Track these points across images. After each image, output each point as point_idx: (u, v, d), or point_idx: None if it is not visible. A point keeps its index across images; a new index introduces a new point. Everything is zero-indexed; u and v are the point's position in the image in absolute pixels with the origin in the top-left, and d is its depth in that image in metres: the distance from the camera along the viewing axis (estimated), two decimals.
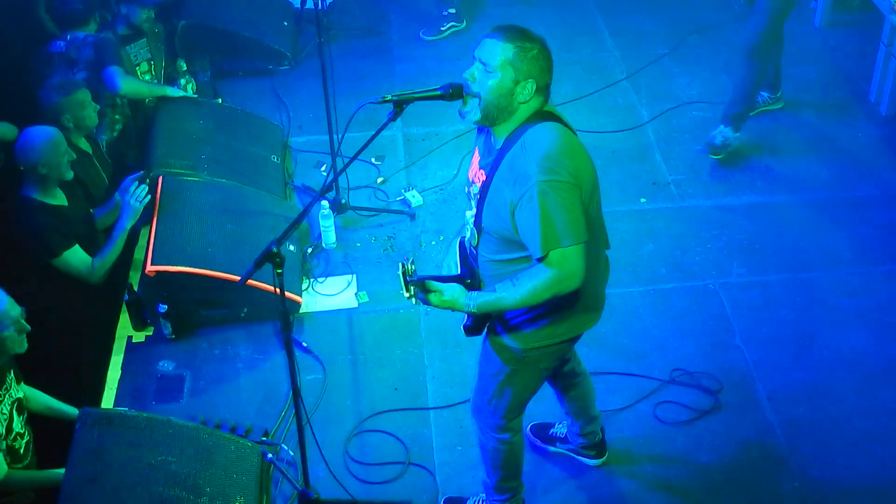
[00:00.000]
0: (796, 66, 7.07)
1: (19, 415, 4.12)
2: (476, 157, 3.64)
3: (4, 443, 3.99)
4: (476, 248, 3.59)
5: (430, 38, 7.81)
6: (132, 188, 5.15)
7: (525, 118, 3.37)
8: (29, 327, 4.04)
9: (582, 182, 3.31)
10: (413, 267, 3.54)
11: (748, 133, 6.45)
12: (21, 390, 4.18)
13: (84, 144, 5.54)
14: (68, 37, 6.04)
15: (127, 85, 5.95)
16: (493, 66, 3.28)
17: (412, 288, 3.48)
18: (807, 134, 6.58)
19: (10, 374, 4.09)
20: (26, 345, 4.08)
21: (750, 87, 6.22)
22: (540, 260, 3.32)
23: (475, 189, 3.56)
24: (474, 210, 3.56)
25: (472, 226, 3.59)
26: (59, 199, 5.01)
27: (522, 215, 3.29)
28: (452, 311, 3.56)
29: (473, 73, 3.35)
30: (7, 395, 4.04)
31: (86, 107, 5.41)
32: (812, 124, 6.67)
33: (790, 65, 6.92)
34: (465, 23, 7.89)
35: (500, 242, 3.48)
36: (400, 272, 3.50)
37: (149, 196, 5.20)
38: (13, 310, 3.98)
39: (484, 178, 3.47)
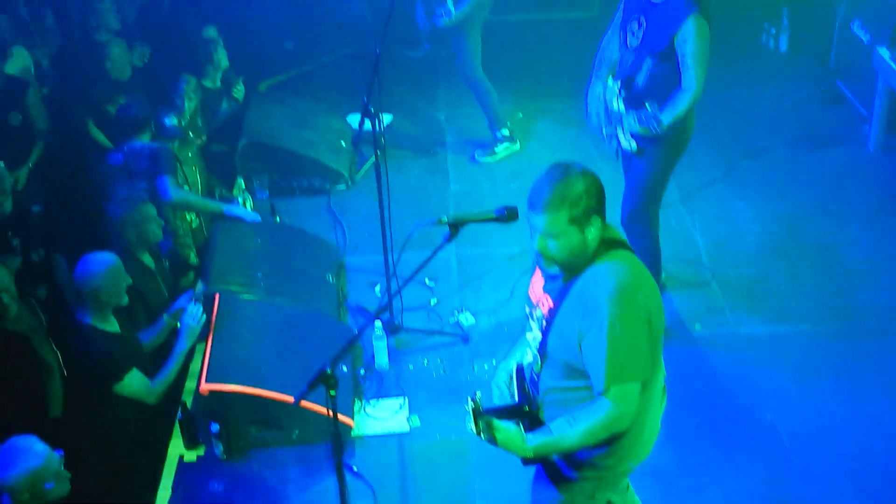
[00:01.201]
0: (851, 191, 7.06)
1: None
2: (539, 279, 3.62)
3: None
4: (538, 374, 3.57)
5: (484, 159, 7.91)
6: (189, 308, 5.21)
7: (595, 247, 3.38)
8: (69, 474, 4.04)
9: (651, 317, 3.32)
10: (480, 403, 3.49)
11: (808, 257, 6.43)
12: None
13: (147, 260, 5.65)
14: (125, 148, 6.16)
15: (178, 196, 6.08)
16: (557, 233, 3.30)
17: (481, 424, 3.41)
18: (862, 257, 6.52)
19: None
20: (69, 486, 4.06)
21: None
22: (601, 394, 3.30)
23: (539, 313, 3.56)
24: (538, 334, 3.55)
25: (535, 351, 3.57)
26: (113, 325, 5.07)
27: (590, 346, 3.29)
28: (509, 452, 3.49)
29: (543, 245, 3.35)
30: None
31: (150, 221, 5.53)
32: (869, 248, 6.61)
33: (845, 190, 6.91)
34: (518, 143, 7.99)
35: (564, 370, 3.46)
36: (470, 408, 3.41)
37: (205, 316, 5.25)
38: (51, 463, 3.97)
39: (551, 304, 3.47)
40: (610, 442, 3.49)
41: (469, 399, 3.42)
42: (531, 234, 3.38)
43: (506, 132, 7.94)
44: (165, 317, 5.37)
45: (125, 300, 5.05)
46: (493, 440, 3.42)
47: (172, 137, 6.59)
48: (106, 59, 7.38)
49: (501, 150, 7.96)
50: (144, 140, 6.28)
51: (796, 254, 6.57)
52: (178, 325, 5.28)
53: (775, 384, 5.54)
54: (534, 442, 3.43)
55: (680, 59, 5.21)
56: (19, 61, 7.23)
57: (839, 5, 8.40)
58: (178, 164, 6.40)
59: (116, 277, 4.96)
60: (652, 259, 5.77)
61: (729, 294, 6.25)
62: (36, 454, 3.96)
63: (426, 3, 7.40)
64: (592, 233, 3.33)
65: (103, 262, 4.95)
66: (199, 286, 5.33)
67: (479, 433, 3.40)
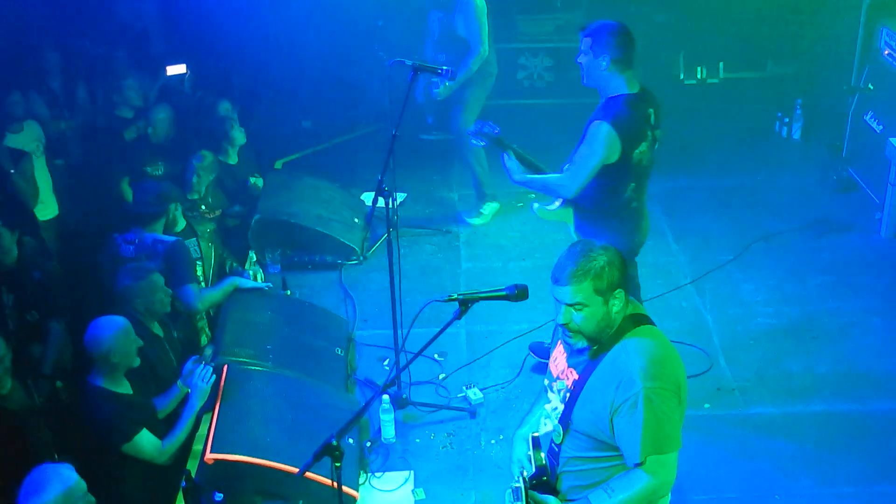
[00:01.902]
0: (863, 276, 7.07)
1: None
2: (561, 353, 3.66)
3: None
4: (559, 445, 3.58)
5: (473, 220, 8.18)
6: (198, 370, 5.22)
7: (620, 321, 3.43)
8: (94, 499, 4.07)
9: (680, 389, 3.41)
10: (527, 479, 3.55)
11: (819, 340, 6.41)
12: None
13: (157, 328, 5.67)
14: (136, 239, 6.14)
15: (203, 303, 6.14)
16: (582, 304, 3.37)
17: (531, 501, 3.52)
18: (874, 341, 6.50)
19: None
20: None
21: None
22: (638, 465, 3.34)
23: (561, 385, 3.58)
24: (559, 406, 3.57)
25: (556, 422, 3.58)
26: (125, 387, 5.09)
27: (623, 420, 3.34)
28: None
29: (568, 318, 3.41)
30: None
31: (157, 291, 5.56)
32: (882, 332, 6.58)
33: (857, 275, 6.92)
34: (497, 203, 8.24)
35: (589, 441, 3.50)
36: (521, 485, 3.52)
37: (214, 376, 5.26)
38: (80, 487, 4.03)
39: (576, 376, 3.49)
40: None
41: (518, 477, 3.57)
42: (555, 309, 3.45)
43: (490, 191, 8.18)
44: (179, 383, 5.38)
45: (137, 362, 5.08)
46: None
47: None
48: (149, 124, 7.59)
49: (488, 210, 8.16)
50: (157, 231, 6.28)
51: (807, 336, 6.54)
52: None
53: (785, 465, 5.46)
54: None
55: None
56: (30, 134, 7.41)
57: (852, 97, 8.50)
58: (192, 255, 6.46)
59: (127, 339, 5.00)
60: None
61: (739, 374, 6.21)
62: (67, 478, 4.02)
63: (424, 78, 7.53)
64: (617, 305, 3.41)
65: (114, 325, 5.00)
66: (209, 349, 5.35)
67: None
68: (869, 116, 8.16)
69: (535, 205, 5.84)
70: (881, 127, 7.94)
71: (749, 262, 7.48)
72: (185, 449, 5.31)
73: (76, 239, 7.06)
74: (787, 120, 9.62)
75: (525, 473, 3.58)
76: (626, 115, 5.14)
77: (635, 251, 5.66)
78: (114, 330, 4.98)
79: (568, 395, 3.53)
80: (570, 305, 3.39)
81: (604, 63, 5.13)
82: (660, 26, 9.94)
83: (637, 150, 5.23)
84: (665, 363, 3.40)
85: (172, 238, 6.21)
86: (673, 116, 9.34)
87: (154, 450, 5.05)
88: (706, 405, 5.95)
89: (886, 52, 7.99)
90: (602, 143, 5.14)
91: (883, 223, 7.71)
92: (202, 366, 5.24)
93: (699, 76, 10.40)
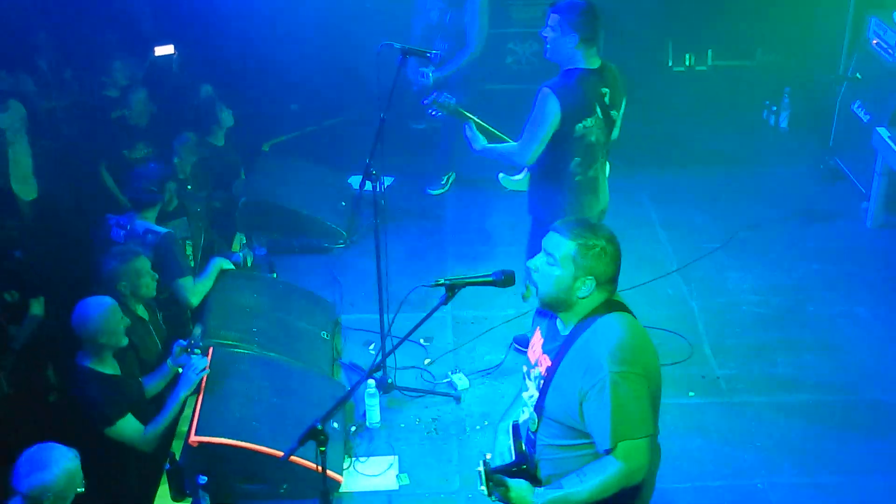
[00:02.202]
0: (849, 265, 7.10)
1: None
2: (538, 339, 3.67)
3: None
4: (535, 433, 3.58)
5: (436, 191, 8.39)
6: (194, 359, 5.21)
7: (592, 308, 3.44)
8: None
9: (651, 374, 3.38)
10: (490, 463, 3.52)
11: (805, 329, 6.44)
12: None
13: (142, 311, 5.65)
14: (127, 225, 6.11)
15: (197, 296, 6.10)
16: (556, 258, 3.37)
17: (491, 484, 3.47)
18: (860, 331, 6.53)
19: None
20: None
21: None
22: (608, 451, 3.32)
23: (537, 372, 3.58)
24: (534, 393, 3.56)
25: (532, 410, 3.58)
26: (113, 367, 5.08)
27: (592, 405, 3.32)
28: None
29: (537, 263, 3.42)
30: None
31: (143, 275, 5.54)
32: (868, 322, 6.61)
33: (843, 264, 6.94)
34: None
35: (562, 429, 3.49)
36: (482, 469, 3.48)
37: (207, 370, 5.24)
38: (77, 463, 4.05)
39: (549, 363, 3.49)
40: (616, 498, 3.48)
41: (480, 462, 3.51)
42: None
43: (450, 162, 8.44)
44: (169, 362, 5.39)
45: (125, 341, 5.08)
46: (506, 498, 3.49)
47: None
48: (125, 107, 7.51)
49: (447, 180, 8.48)
50: (149, 219, 6.22)
51: (793, 325, 6.56)
52: (180, 370, 5.30)
53: (769, 454, 5.49)
54: (544, 498, 3.46)
55: None
56: (14, 113, 7.37)
57: (840, 86, 8.51)
58: (182, 234, 6.45)
59: (114, 320, 5.00)
60: None
61: (724, 363, 6.23)
62: (71, 457, 4.08)
63: (413, 65, 7.50)
64: (583, 290, 3.39)
65: (101, 305, 5.00)
66: (198, 329, 5.34)
67: (490, 494, 3.48)
68: (856, 106, 8.17)
69: (501, 174, 5.93)
70: (868, 117, 7.95)
71: (736, 250, 7.49)
72: (170, 430, 5.30)
73: (57, 220, 7.00)
74: (774, 108, 9.63)
75: (488, 457, 3.55)
76: (572, 87, 5.27)
77: None
78: (101, 310, 4.98)
79: (542, 382, 3.53)
80: (548, 255, 3.42)
81: (571, 42, 5.25)
82: (648, 13, 9.92)
83: (580, 124, 5.32)
84: (634, 348, 3.36)
85: (164, 230, 6.14)
86: (661, 103, 9.50)
87: (137, 435, 5.04)
88: (691, 393, 5.97)
89: (874, 42, 8.00)
90: (543, 110, 5.27)
91: (869, 213, 7.73)
92: (199, 355, 5.24)
93: (687, 63, 10.38)
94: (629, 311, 3.51)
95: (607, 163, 5.75)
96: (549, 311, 3.52)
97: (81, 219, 6.74)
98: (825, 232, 7.72)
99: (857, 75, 8.26)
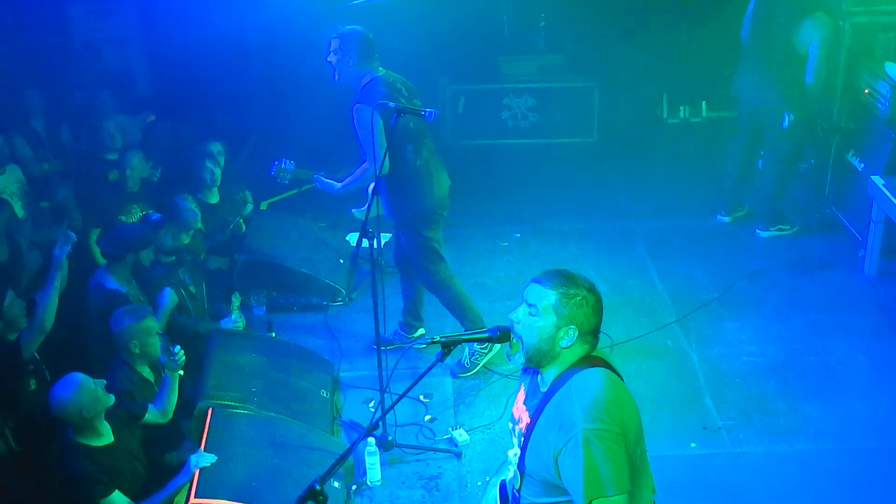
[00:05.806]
0: (846, 314, 7.09)
1: None
2: (521, 396, 3.66)
3: None
4: (519, 490, 3.55)
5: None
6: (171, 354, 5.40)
7: (571, 362, 3.42)
8: None
9: (627, 431, 3.32)
10: None
11: (804, 379, 6.44)
12: None
13: (147, 373, 5.67)
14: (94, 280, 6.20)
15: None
16: (538, 309, 3.37)
17: None
18: (859, 379, 6.50)
19: None
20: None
21: None
22: None
23: (519, 430, 3.57)
24: (517, 451, 3.55)
25: (515, 467, 3.56)
26: (105, 436, 5.04)
27: (566, 462, 3.28)
28: None
29: (519, 315, 3.44)
30: None
31: (152, 334, 5.55)
32: (867, 370, 6.60)
33: (841, 313, 6.94)
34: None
35: (543, 486, 3.45)
36: None
37: (184, 356, 5.42)
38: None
39: (528, 420, 3.47)
40: None
41: None
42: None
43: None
44: (167, 371, 5.44)
45: (111, 401, 5.02)
46: None
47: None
48: (126, 167, 7.61)
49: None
50: (117, 274, 6.37)
51: (792, 374, 6.54)
52: (181, 372, 5.45)
53: None
54: None
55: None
56: (11, 177, 7.42)
57: (833, 136, 8.56)
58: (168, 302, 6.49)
59: (88, 391, 4.93)
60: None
61: (725, 413, 6.20)
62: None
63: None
64: (566, 339, 3.38)
65: (71, 383, 4.93)
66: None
67: None
68: (850, 155, 8.22)
69: (353, 209, 6.60)
70: (863, 165, 8.00)
71: (733, 300, 7.49)
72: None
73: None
74: None
75: None
76: (380, 92, 5.96)
77: (437, 211, 6.40)
78: (73, 387, 4.91)
79: (523, 439, 3.51)
80: (529, 305, 3.41)
81: (350, 61, 6.02)
82: (643, 67, 10.03)
83: (396, 116, 5.71)
84: (608, 404, 3.31)
85: (114, 287, 6.26)
86: (656, 155, 9.56)
87: None
88: (692, 444, 5.94)
89: (867, 91, 8.06)
90: (368, 122, 5.91)
91: (866, 261, 7.74)
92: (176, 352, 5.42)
93: (682, 115, 10.50)
94: (609, 366, 3.48)
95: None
96: (532, 367, 3.52)
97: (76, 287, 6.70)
98: (822, 281, 7.72)
99: (851, 125, 8.32)
